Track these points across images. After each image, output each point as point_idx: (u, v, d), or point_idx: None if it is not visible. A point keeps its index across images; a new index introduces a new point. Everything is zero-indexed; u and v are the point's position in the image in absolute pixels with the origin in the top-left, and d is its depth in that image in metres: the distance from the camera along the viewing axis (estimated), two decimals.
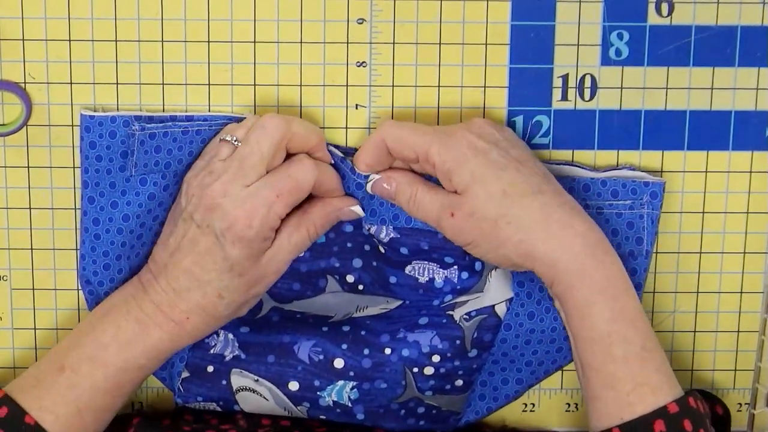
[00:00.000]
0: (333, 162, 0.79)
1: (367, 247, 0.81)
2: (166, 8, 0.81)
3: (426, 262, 0.82)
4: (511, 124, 0.83)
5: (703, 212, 0.85)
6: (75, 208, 0.83)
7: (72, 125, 0.82)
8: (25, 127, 0.82)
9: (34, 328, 0.85)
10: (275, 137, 0.75)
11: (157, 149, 0.78)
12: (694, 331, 0.86)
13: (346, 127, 0.83)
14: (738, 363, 0.87)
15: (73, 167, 0.82)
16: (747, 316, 0.86)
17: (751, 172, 0.84)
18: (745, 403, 0.88)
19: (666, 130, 0.83)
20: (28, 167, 0.82)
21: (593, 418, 0.76)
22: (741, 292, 0.86)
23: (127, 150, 0.78)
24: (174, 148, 0.79)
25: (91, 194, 0.78)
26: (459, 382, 0.82)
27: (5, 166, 0.82)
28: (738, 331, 0.86)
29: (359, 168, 0.79)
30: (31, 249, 0.84)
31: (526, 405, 0.87)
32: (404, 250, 0.82)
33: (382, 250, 0.82)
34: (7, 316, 0.85)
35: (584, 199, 0.81)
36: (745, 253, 0.85)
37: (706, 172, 0.84)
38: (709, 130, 0.83)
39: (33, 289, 0.84)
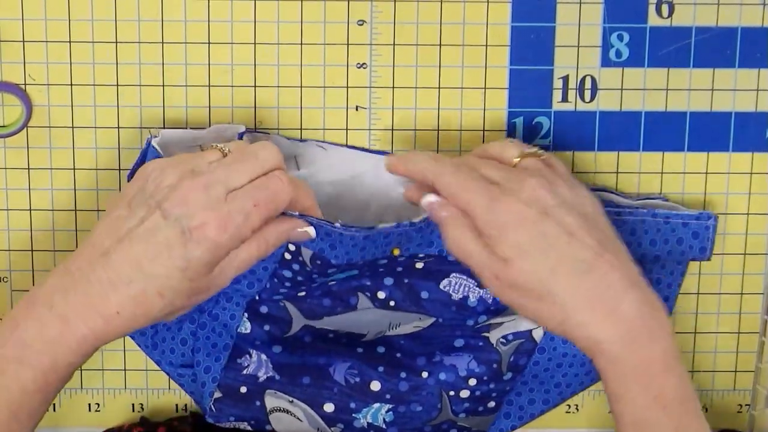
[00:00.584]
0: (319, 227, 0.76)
1: (399, 269, 0.80)
2: (166, 10, 0.81)
3: (465, 278, 0.80)
4: (512, 126, 0.83)
5: None
6: (75, 210, 0.83)
7: (72, 126, 0.82)
8: (25, 128, 0.82)
9: None
10: (274, 158, 0.73)
11: None
12: (695, 333, 0.86)
13: (347, 129, 0.83)
14: (738, 364, 0.87)
15: (73, 168, 0.82)
16: (747, 317, 0.86)
17: (751, 173, 0.84)
18: (746, 405, 0.88)
19: (666, 131, 0.83)
20: (29, 169, 0.82)
21: None
22: (741, 294, 0.86)
23: None
24: None
25: None
26: (491, 404, 0.82)
27: (5, 168, 0.82)
28: (738, 333, 0.86)
29: (391, 164, 0.76)
30: (32, 250, 0.84)
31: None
32: (448, 262, 0.80)
33: (420, 265, 0.80)
34: None
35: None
36: (745, 254, 0.85)
37: (707, 173, 0.84)
38: (709, 132, 0.83)
39: None
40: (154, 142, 0.77)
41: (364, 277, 0.80)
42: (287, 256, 0.78)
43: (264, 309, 0.82)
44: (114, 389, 0.86)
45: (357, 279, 0.80)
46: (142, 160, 0.77)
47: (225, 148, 0.74)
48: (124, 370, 0.86)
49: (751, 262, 0.85)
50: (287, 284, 0.80)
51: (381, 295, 0.81)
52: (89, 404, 0.86)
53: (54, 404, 0.86)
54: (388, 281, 0.80)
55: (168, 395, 0.86)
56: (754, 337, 0.87)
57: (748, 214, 0.85)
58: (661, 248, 0.80)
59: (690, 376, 0.74)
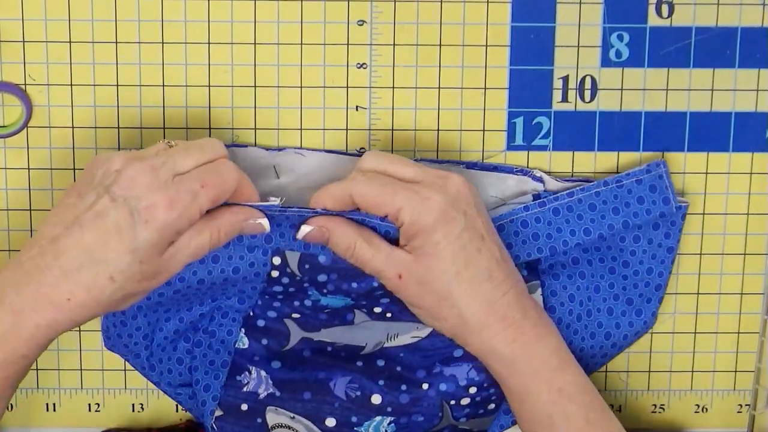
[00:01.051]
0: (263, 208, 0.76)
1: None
2: (167, 10, 0.80)
3: None
4: (512, 126, 0.83)
5: (704, 213, 0.85)
6: None
7: (72, 127, 0.82)
8: (25, 128, 0.82)
9: None
10: (218, 150, 0.74)
11: None
12: (695, 333, 0.86)
13: (347, 129, 0.83)
14: (738, 364, 0.87)
15: (74, 168, 0.82)
16: (747, 318, 0.86)
17: (751, 173, 0.84)
18: (746, 405, 0.88)
19: (666, 131, 0.83)
20: (29, 169, 0.82)
21: None
22: (741, 294, 0.86)
23: None
24: None
25: None
26: (491, 406, 0.82)
27: (5, 168, 0.82)
28: (738, 333, 0.86)
29: (315, 206, 0.75)
30: None
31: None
32: None
33: None
34: None
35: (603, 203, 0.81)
36: (745, 254, 0.85)
37: (707, 173, 0.84)
38: (709, 132, 0.83)
39: None
40: None
41: (361, 298, 0.80)
42: (274, 273, 0.78)
43: (261, 323, 0.82)
44: (114, 389, 0.86)
45: (354, 300, 0.80)
46: None
47: (171, 142, 0.74)
48: (125, 370, 0.86)
49: (751, 262, 0.85)
50: (280, 297, 0.80)
51: (377, 309, 0.81)
52: (89, 404, 0.86)
53: (54, 404, 0.86)
54: (384, 300, 0.80)
55: (170, 399, 0.86)
56: (754, 337, 0.87)
57: (748, 214, 0.85)
58: (626, 213, 0.80)
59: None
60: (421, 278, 0.74)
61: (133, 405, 0.87)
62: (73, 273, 0.70)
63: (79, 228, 0.70)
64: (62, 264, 0.70)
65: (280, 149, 0.82)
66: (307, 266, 0.77)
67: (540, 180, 0.82)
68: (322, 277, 0.78)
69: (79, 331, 0.85)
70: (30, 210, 0.83)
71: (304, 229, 0.75)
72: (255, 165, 0.82)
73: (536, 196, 0.82)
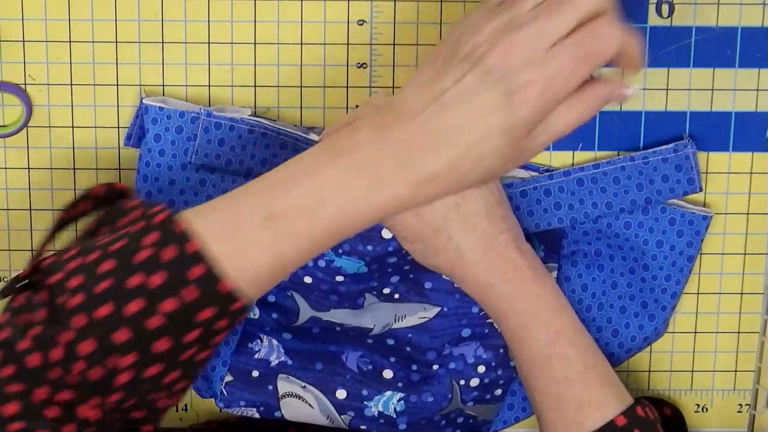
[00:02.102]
0: None
1: (406, 267, 0.81)
2: (167, 9, 0.80)
3: None
4: None
5: None
6: None
7: (72, 126, 0.82)
8: (25, 128, 0.82)
9: None
10: (618, 35, 0.64)
11: (220, 142, 0.78)
12: (695, 332, 0.86)
13: None
14: (738, 364, 0.87)
15: (73, 168, 0.82)
16: (747, 317, 0.86)
17: (751, 173, 0.84)
18: (746, 404, 0.88)
19: (666, 131, 0.83)
20: (29, 168, 0.82)
21: None
22: (741, 293, 0.86)
23: (189, 148, 0.77)
24: (237, 145, 0.78)
25: (149, 189, 0.78)
26: (498, 392, 0.83)
27: (5, 168, 0.82)
28: (738, 332, 0.86)
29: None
30: (32, 250, 0.84)
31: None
32: None
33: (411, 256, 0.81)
34: None
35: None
36: (745, 254, 0.85)
37: (707, 173, 0.84)
38: (709, 131, 0.83)
39: None
40: (146, 101, 0.78)
41: (373, 279, 0.80)
42: None
43: (271, 298, 0.82)
44: None
45: (365, 281, 0.80)
46: (139, 123, 0.79)
47: None
48: None
49: (751, 262, 0.85)
50: None
51: (386, 290, 0.81)
52: None
53: None
54: (395, 279, 0.81)
55: None
56: (754, 337, 0.87)
57: (748, 214, 0.85)
58: (649, 190, 0.81)
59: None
60: (418, 210, 0.73)
61: None
62: (440, 150, 0.64)
63: (447, 105, 0.64)
64: (426, 140, 0.64)
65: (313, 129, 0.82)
66: None
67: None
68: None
69: None
70: (30, 210, 0.83)
71: None
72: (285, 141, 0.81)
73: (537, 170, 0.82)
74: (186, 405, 0.87)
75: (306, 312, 0.82)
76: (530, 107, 0.63)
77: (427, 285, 0.82)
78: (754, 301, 0.86)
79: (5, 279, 0.84)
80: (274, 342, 0.81)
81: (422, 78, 0.65)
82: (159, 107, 0.78)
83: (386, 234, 0.77)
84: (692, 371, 0.87)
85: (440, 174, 0.64)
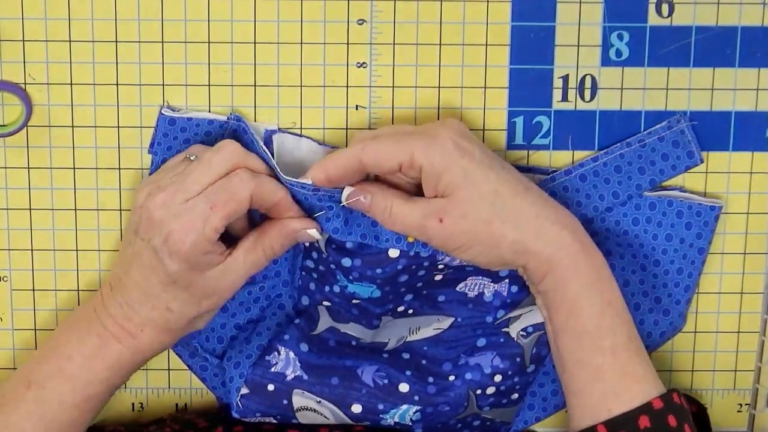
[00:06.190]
0: (292, 189, 0.76)
1: (419, 284, 0.80)
2: (166, 9, 0.80)
3: (480, 278, 0.81)
4: (512, 125, 0.83)
5: None
6: (75, 209, 0.83)
7: (72, 126, 0.82)
8: (25, 127, 0.82)
9: (35, 329, 0.85)
10: (228, 161, 0.75)
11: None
12: (695, 332, 0.86)
13: (347, 128, 0.83)
14: (738, 364, 0.87)
15: (73, 168, 0.82)
16: (747, 317, 0.86)
17: (751, 173, 0.84)
18: (746, 404, 0.88)
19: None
20: (28, 168, 0.82)
21: (576, 415, 0.76)
22: (741, 293, 0.86)
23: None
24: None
25: None
26: (515, 396, 0.83)
27: (5, 167, 0.82)
28: (738, 332, 0.86)
29: (315, 178, 0.75)
30: (32, 250, 0.84)
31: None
32: (465, 270, 0.81)
33: (439, 277, 0.80)
34: (8, 317, 0.85)
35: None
36: (745, 253, 0.85)
37: (707, 173, 0.84)
38: (709, 131, 0.83)
39: (33, 290, 0.84)
40: (164, 111, 0.80)
41: (388, 302, 0.80)
42: (306, 243, 0.79)
43: (303, 302, 0.83)
44: None
45: (380, 305, 0.80)
46: (157, 131, 0.81)
47: (191, 156, 0.77)
48: None
49: (751, 261, 0.85)
50: (314, 276, 0.80)
51: (400, 308, 0.81)
52: None
53: None
54: (408, 297, 0.81)
55: (168, 395, 0.86)
56: (754, 336, 0.87)
57: (748, 213, 0.85)
58: (652, 172, 0.81)
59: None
60: (462, 212, 0.74)
61: (133, 405, 0.87)
62: (136, 307, 0.77)
63: (129, 268, 0.76)
64: (128, 300, 0.77)
65: (333, 147, 0.82)
66: (333, 246, 0.78)
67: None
68: (346, 262, 0.78)
69: None
70: (30, 210, 0.83)
71: (347, 191, 0.76)
72: (307, 157, 0.81)
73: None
74: (186, 404, 0.87)
75: (326, 321, 0.82)
76: (178, 258, 0.74)
77: (441, 298, 0.81)
78: (754, 301, 0.86)
79: (5, 279, 0.84)
80: (291, 355, 0.81)
81: (121, 248, 0.78)
82: (170, 118, 0.80)
83: (393, 253, 0.77)
84: (692, 371, 0.87)
85: (145, 326, 0.77)
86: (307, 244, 0.79)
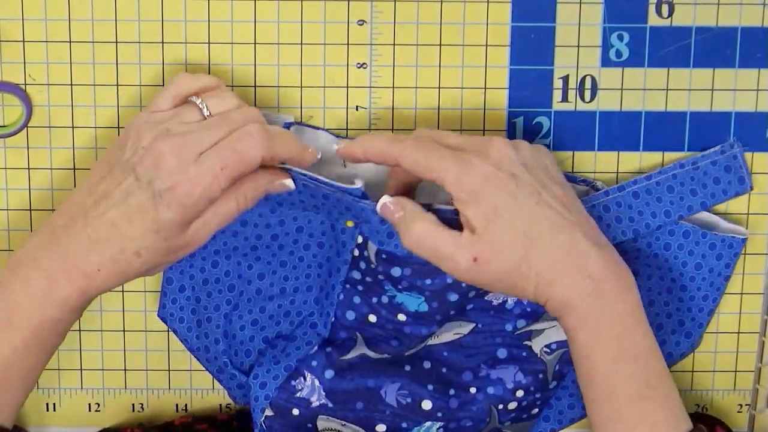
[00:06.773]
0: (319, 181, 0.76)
1: (470, 306, 0.81)
2: (167, 10, 0.81)
3: None
4: (512, 126, 0.83)
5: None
6: None
7: (72, 126, 0.82)
8: (25, 128, 0.82)
9: None
10: (259, 145, 0.73)
11: None
12: None
13: (347, 129, 0.83)
14: (738, 364, 0.87)
15: (73, 168, 0.82)
16: (747, 317, 0.86)
17: (751, 173, 0.84)
18: (746, 404, 0.88)
19: (666, 131, 0.83)
20: (29, 169, 0.83)
21: None
22: (741, 293, 0.86)
23: None
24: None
25: None
26: (535, 411, 0.83)
27: (5, 168, 0.82)
28: (738, 333, 0.86)
29: (353, 152, 0.75)
30: None
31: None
32: None
33: (472, 294, 0.79)
34: None
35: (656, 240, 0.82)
36: (745, 254, 0.85)
37: None
38: (709, 132, 0.83)
39: None
40: None
41: (434, 322, 0.80)
42: (356, 252, 0.79)
43: (340, 336, 0.82)
44: (114, 389, 0.86)
45: (427, 324, 0.79)
46: None
47: (205, 110, 0.75)
48: (125, 370, 0.86)
49: (751, 262, 0.85)
50: (360, 288, 0.80)
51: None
52: (89, 404, 0.86)
53: (54, 404, 0.86)
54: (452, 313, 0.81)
55: (168, 395, 0.86)
56: (754, 337, 0.87)
57: (748, 213, 0.85)
58: (704, 194, 0.81)
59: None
60: (492, 253, 0.72)
61: (133, 405, 0.87)
62: (101, 245, 0.73)
63: (106, 204, 0.73)
64: (92, 236, 0.73)
65: (351, 140, 0.81)
66: (384, 256, 0.77)
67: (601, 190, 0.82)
68: (396, 271, 0.78)
69: (79, 331, 0.85)
70: (30, 210, 0.83)
71: (386, 199, 0.75)
72: (323, 151, 0.80)
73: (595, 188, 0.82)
74: (186, 405, 0.87)
75: (359, 349, 0.82)
76: (176, 209, 0.72)
77: (469, 306, 0.81)
78: (754, 301, 0.86)
79: None
80: (316, 382, 0.81)
81: (91, 180, 0.74)
82: None
83: None
84: (692, 371, 0.87)
85: (104, 266, 0.73)
86: (356, 252, 0.79)
